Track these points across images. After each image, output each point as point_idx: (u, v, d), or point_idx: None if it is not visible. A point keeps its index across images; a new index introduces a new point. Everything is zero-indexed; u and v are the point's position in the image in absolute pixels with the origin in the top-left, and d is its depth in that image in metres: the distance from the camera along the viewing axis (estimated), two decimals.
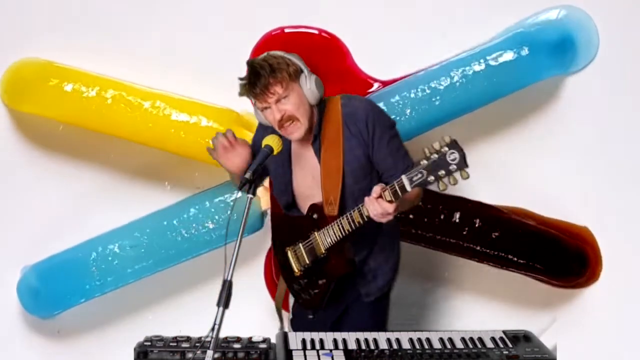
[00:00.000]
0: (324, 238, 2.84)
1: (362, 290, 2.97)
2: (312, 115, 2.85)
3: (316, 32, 3.60)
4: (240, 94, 2.83)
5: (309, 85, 2.79)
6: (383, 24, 3.60)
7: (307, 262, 2.92)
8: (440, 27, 3.60)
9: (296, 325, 3.09)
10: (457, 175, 2.46)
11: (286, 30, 3.60)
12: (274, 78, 2.73)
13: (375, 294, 2.99)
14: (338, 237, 2.80)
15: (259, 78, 2.73)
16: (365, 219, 2.70)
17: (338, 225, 2.79)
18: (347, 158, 2.85)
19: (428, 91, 3.43)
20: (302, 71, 2.80)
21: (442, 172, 2.45)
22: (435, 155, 2.45)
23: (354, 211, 2.73)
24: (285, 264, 3.00)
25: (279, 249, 3.04)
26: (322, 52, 3.56)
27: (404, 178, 2.53)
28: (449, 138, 2.46)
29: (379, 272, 2.98)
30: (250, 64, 2.78)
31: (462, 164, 2.44)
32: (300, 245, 2.93)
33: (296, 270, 2.96)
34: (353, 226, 2.75)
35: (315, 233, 2.87)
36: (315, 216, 2.89)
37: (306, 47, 3.49)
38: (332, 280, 2.91)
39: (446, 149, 2.44)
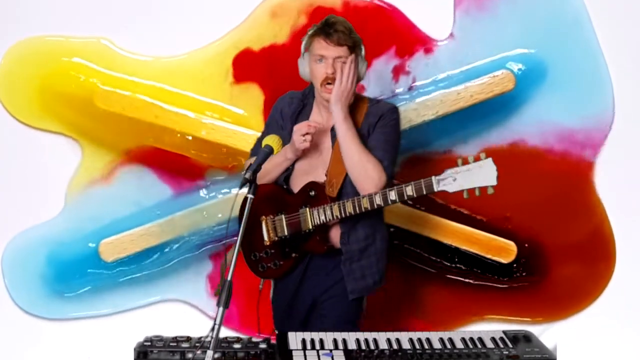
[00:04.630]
0: (317, 215, 2.94)
1: (349, 287, 3.02)
2: (353, 92, 2.95)
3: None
4: (307, 40, 2.97)
5: (361, 66, 2.98)
6: None
7: (286, 233, 3.00)
8: None
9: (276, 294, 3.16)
10: (485, 189, 2.67)
11: None
12: (350, 37, 2.92)
13: (361, 292, 3.05)
14: (335, 218, 2.92)
15: (336, 30, 2.91)
16: (376, 206, 2.84)
17: (339, 207, 2.90)
18: None
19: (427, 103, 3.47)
20: (362, 50, 2.99)
21: (470, 183, 2.68)
22: (469, 166, 2.67)
23: (362, 198, 2.86)
24: (252, 231, 3.04)
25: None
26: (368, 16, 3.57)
27: (434, 179, 2.74)
28: (484, 155, 2.67)
29: (367, 272, 3.04)
30: (332, 17, 2.97)
31: (493, 180, 2.66)
32: (283, 216, 3.01)
33: (267, 239, 3.04)
34: (357, 210, 2.87)
35: (308, 209, 2.96)
36: (312, 193, 2.99)
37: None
38: (305, 255, 3.02)
39: (481, 163, 2.66)
